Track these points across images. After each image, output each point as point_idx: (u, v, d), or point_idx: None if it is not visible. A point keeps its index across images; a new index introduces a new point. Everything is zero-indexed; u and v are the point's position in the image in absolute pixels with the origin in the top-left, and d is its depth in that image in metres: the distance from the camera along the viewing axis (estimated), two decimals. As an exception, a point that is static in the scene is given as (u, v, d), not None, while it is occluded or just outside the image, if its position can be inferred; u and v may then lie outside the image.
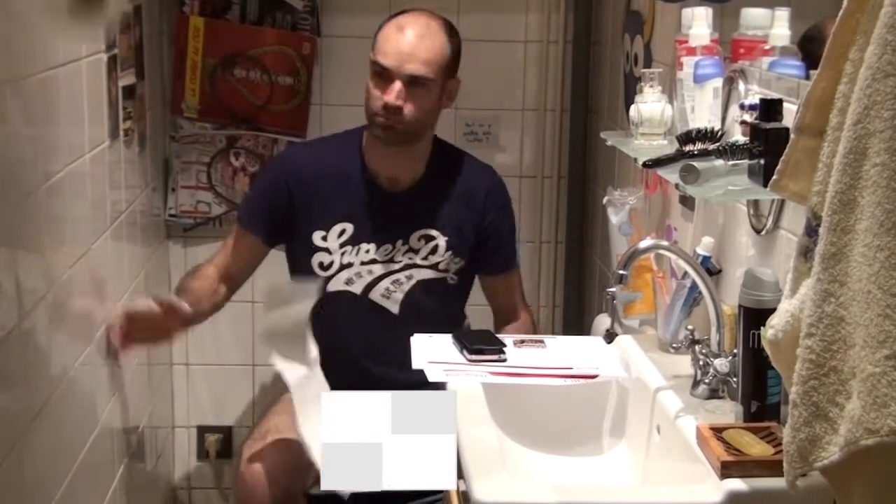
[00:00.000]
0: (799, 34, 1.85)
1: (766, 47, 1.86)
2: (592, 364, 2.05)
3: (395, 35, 2.42)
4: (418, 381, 1.94)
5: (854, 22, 1.20)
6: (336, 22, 3.17)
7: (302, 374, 2.29)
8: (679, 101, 2.00)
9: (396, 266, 2.54)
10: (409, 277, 2.55)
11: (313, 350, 2.33)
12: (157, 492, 3.06)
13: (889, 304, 1.12)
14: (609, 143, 2.25)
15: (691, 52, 1.94)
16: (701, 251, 1.97)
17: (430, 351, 2.09)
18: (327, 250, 2.52)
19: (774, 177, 1.37)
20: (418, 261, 2.54)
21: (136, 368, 2.75)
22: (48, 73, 1.95)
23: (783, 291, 1.35)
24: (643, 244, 1.90)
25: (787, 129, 1.51)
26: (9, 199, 1.72)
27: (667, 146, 1.99)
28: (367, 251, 2.52)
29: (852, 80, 1.19)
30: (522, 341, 2.18)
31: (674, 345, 2.00)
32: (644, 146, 2.04)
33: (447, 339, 2.15)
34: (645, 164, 1.85)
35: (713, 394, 1.83)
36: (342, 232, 2.51)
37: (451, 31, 2.50)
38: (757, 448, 1.57)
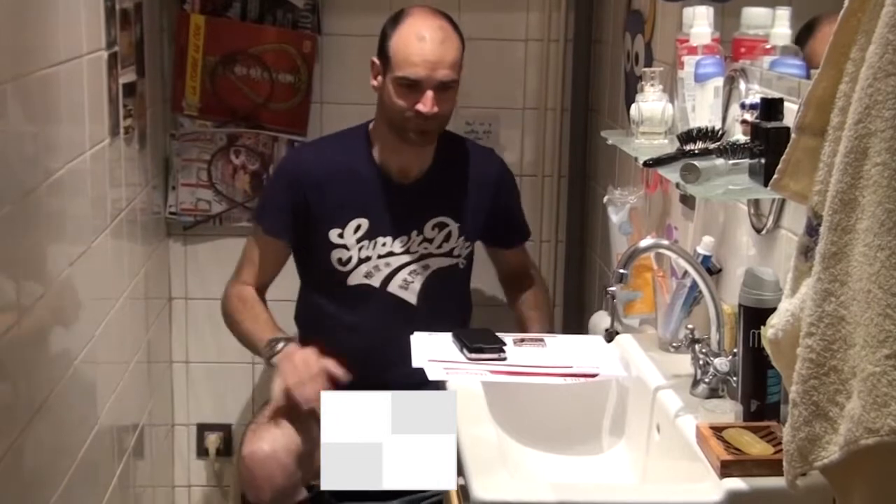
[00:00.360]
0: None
1: (767, 46, 1.85)
2: (592, 363, 2.05)
3: (418, 45, 2.44)
4: None
5: (855, 21, 1.20)
6: (337, 20, 3.17)
7: None
8: (680, 100, 2.00)
9: (413, 257, 2.59)
10: (426, 267, 2.61)
11: None
12: (156, 490, 3.06)
13: (889, 303, 1.12)
14: (609, 142, 2.25)
15: (692, 51, 1.94)
16: (701, 250, 1.97)
17: (430, 349, 2.09)
18: (345, 246, 2.55)
19: (775, 176, 1.37)
20: (433, 249, 2.59)
21: (136, 366, 2.75)
22: (48, 70, 1.95)
23: (783, 291, 1.35)
24: (643, 243, 1.90)
25: (787, 129, 1.51)
26: (9, 196, 1.72)
27: (667, 145, 1.99)
28: (384, 244, 2.56)
29: (853, 80, 1.19)
30: (522, 340, 2.18)
31: (674, 344, 2.00)
32: (645, 145, 2.04)
33: (447, 337, 2.15)
34: (645, 164, 1.85)
35: (713, 393, 1.83)
36: (357, 227, 2.55)
37: (456, 26, 2.54)
38: (757, 447, 1.57)
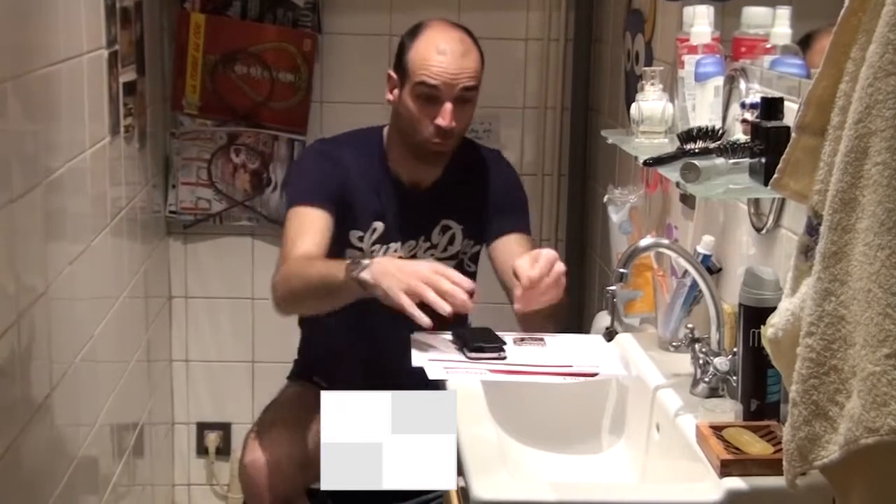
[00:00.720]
0: (800, 33, 1.85)
1: (768, 46, 1.85)
2: (592, 362, 2.05)
3: (438, 57, 2.38)
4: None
5: (856, 21, 1.20)
6: (337, 19, 3.17)
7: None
8: (680, 99, 2.00)
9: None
10: None
11: None
12: (156, 488, 3.06)
13: (889, 302, 1.12)
14: (610, 141, 2.25)
15: (692, 50, 1.94)
16: (701, 250, 1.97)
17: (430, 348, 2.09)
18: (361, 249, 2.50)
19: (775, 175, 1.37)
20: (439, 254, 2.55)
21: (136, 365, 2.75)
22: (49, 69, 1.95)
23: (783, 290, 1.35)
24: (643, 242, 1.90)
25: (787, 128, 1.51)
26: (9, 194, 1.72)
27: (667, 144, 1.99)
28: (395, 250, 2.51)
29: (854, 79, 1.19)
30: (522, 339, 2.17)
31: (674, 343, 2.00)
32: (645, 144, 2.04)
33: (447, 336, 2.15)
34: (646, 163, 1.85)
35: (713, 392, 1.83)
36: (374, 231, 2.50)
37: (475, 40, 2.47)
38: (756, 447, 1.57)
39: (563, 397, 2.04)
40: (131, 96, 2.61)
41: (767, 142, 1.60)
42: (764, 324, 1.40)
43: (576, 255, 3.26)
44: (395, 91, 2.45)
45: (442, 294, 2.04)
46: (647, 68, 2.15)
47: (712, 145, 1.74)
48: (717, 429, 1.62)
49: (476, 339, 2.10)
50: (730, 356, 1.81)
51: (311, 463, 2.30)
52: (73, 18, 2.12)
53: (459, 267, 2.57)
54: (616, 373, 2.04)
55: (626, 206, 2.30)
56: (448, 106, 2.37)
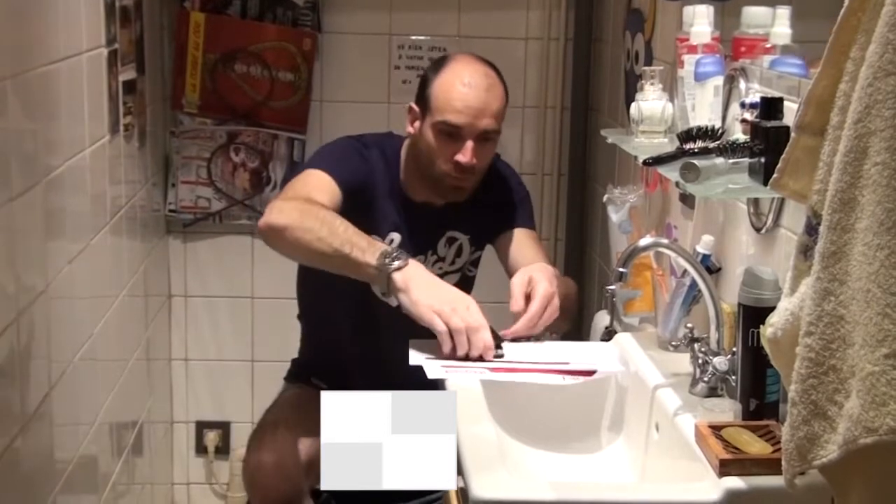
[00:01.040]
0: (800, 33, 1.85)
1: (767, 45, 1.85)
2: (590, 359, 2.05)
3: (462, 91, 2.31)
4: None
5: (855, 20, 1.20)
6: (337, 18, 3.17)
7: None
8: (680, 98, 2.00)
9: None
10: None
11: None
12: (155, 487, 3.06)
13: (888, 302, 1.12)
14: (609, 140, 2.25)
15: (692, 49, 1.94)
16: (701, 249, 1.97)
17: (428, 347, 2.08)
18: None
19: (775, 175, 1.37)
20: (446, 268, 2.50)
21: (135, 363, 2.75)
22: (48, 67, 1.95)
23: (783, 290, 1.35)
24: (643, 242, 1.90)
25: (787, 128, 1.51)
26: (9, 193, 1.72)
27: (667, 144, 1.99)
28: None
29: (853, 79, 1.19)
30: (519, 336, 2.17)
31: (673, 343, 2.00)
32: (644, 144, 2.04)
33: None
34: (645, 162, 1.85)
35: (712, 392, 1.83)
36: (391, 241, 2.42)
37: (500, 75, 2.41)
38: (755, 446, 1.57)
39: (562, 397, 2.04)
40: (131, 95, 2.61)
41: (767, 141, 1.60)
42: (763, 323, 1.40)
43: (575, 254, 3.26)
44: (416, 123, 2.39)
45: (469, 344, 1.99)
46: (646, 68, 2.15)
47: (712, 145, 1.74)
48: (716, 428, 1.62)
49: None
50: (729, 356, 1.81)
51: (315, 464, 2.29)
52: (72, 17, 2.12)
53: (464, 280, 2.54)
54: (614, 370, 2.04)
55: (626, 206, 2.30)
56: (469, 143, 2.31)
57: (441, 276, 2.44)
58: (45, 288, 1.90)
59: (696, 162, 1.68)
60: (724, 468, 1.53)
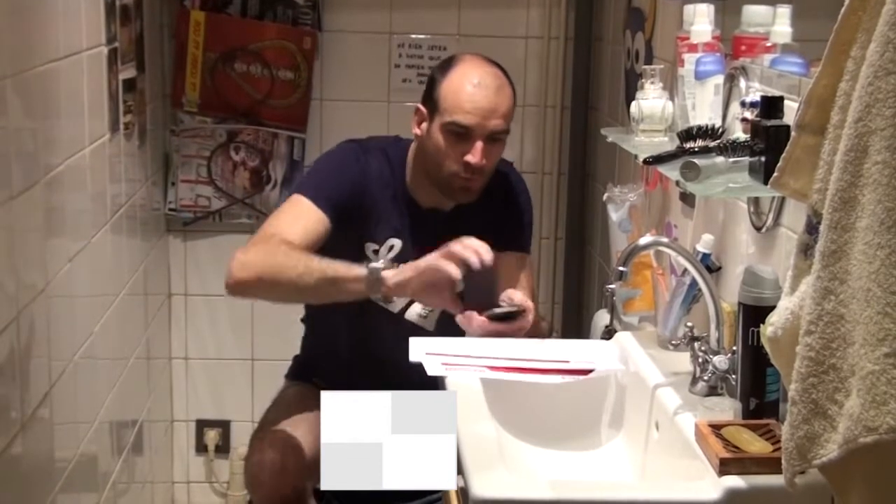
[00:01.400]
0: (800, 31, 1.85)
1: (768, 44, 1.85)
2: (589, 357, 2.05)
3: (471, 91, 2.30)
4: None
5: (856, 19, 1.20)
6: (337, 17, 3.17)
7: None
8: (680, 97, 2.00)
9: None
10: None
11: None
12: (155, 486, 3.06)
13: (889, 301, 1.12)
14: (609, 139, 2.25)
15: (693, 48, 1.94)
16: (701, 248, 1.97)
17: (429, 345, 2.09)
18: None
19: (775, 174, 1.37)
20: None
21: (135, 362, 2.75)
22: (49, 65, 1.95)
23: (783, 289, 1.35)
24: (643, 241, 1.90)
25: (787, 127, 1.51)
26: (9, 191, 1.72)
27: (667, 143, 1.99)
28: None
29: (854, 78, 1.19)
30: None
31: (673, 342, 2.00)
32: (644, 143, 2.04)
33: (445, 339, 2.15)
34: (645, 161, 1.85)
35: (712, 391, 1.82)
36: (391, 248, 2.42)
37: (508, 76, 2.41)
38: (755, 445, 1.57)
39: (562, 396, 2.04)
40: (131, 93, 2.61)
41: (767, 140, 1.60)
42: (763, 322, 1.40)
43: (575, 253, 3.26)
44: (424, 125, 2.38)
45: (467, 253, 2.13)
46: (647, 67, 2.15)
47: (712, 144, 1.74)
48: (717, 427, 1.62)
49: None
50: (729, 355, 1.81)
51: (317, 463, 2.28)
52: (72, 15, 2.12)
53: None
54: (614, 368, 2.04)
55: (626, 205, 2.30)
56: (479, 144, 2.30)
57: None
58: (45, 286, 1.90)
59: (696, 161, 1.68)
60: (724, 467, 1.53)
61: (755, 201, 1.87)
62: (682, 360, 1.91)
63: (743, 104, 1.78)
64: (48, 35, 1.96)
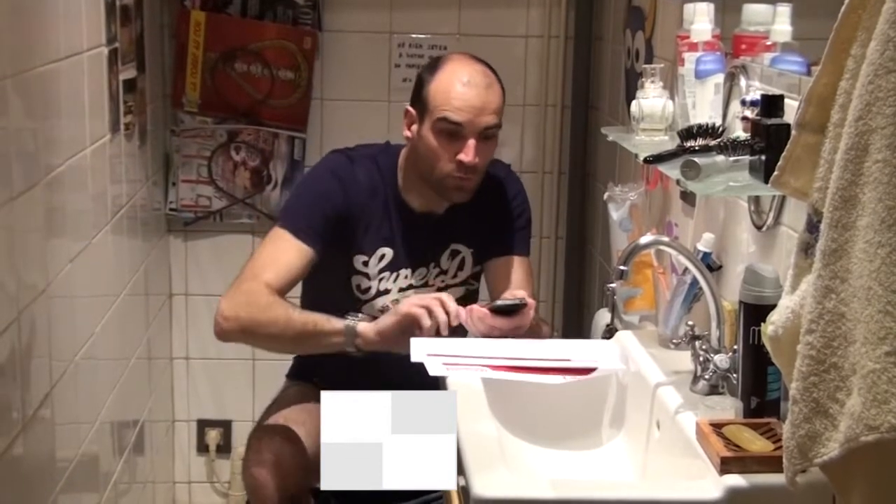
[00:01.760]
0: (800, 30, 1.85)
1: (768, 43, 1.85)
2: (591, 357, 2.05)
3: (462, 89, 2.29)
4: None
5: (856, 18, 1.20)
6: (337, 17, 3.17)
7: None
8: (680, 96, 2.00)
9: (430, 290, 2.44)
10: None
11: None
12: (156, 486, 3.06)
13: (890, 300, 1.12)
14: (610, 138, 2.25)
15: (693, 47, 1.94)
16: (701, 247, 1.97)
17: (430, 345, 2.08)
18: (367, 275, 2.42)
19: (775, 173, 1.37)
20: (449, 280, 2.47)
21: (136, 362, 2.75)
22: (49, 66, 1.95)
23: (784, 288, 1.35)
24: (644, 240, 1.90)
25: (788, 126, 1.51)
26: (10, 192, 1.72)
27: (668, 142, 1.99)
28: (406, 276, 2.43)
29: (854, 77, 1.19)
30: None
31: (674, 340, 2.00)
32: (645, 142, 2.04)
33: (445, 340, 2.15)
34: (646, 160, 1.85)
35: (713, 390, 1.82)
36: (382, 257, 2.42)
37: (496, 73, 2.39)
38: (757, 444, 1.57)
39: (563, 395, 2.04)
40: (131, 94, 2.61)
41: (768, 139, 1.60)
42: (764, 321, 1.40)
43: (576, 252, 3.26)
44: (414, 127, 2.37)
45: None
46: (647, 66, 2.15)
47: (712, 143, 1.74)
48: (718, 426, 1.62)
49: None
50: (730, 353, 1.81)
51: (316, 463, 2.28)
52: (73, 16, 2.12)
53: (467, 294, 2.51)
54: (615, 367, 2.04)
55: (627, 204, 2.30)
56: (471, 142, 2.29)
57: (444, 288, 2.46)
58: (46, 287, 1.90)
59: (696, 160, 1.68)
60: (726, 466, 1.53)
61: (756, 200, 1.87)
62: (683, 359, 1.91)
63: (743, 103, 1.78)
64: (49, 35, 1.96)
